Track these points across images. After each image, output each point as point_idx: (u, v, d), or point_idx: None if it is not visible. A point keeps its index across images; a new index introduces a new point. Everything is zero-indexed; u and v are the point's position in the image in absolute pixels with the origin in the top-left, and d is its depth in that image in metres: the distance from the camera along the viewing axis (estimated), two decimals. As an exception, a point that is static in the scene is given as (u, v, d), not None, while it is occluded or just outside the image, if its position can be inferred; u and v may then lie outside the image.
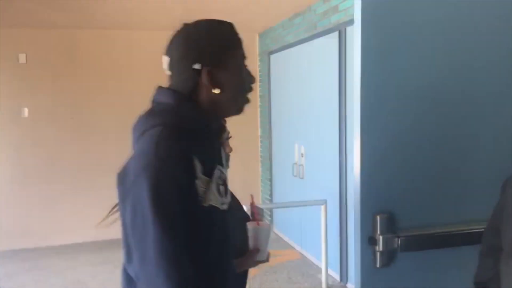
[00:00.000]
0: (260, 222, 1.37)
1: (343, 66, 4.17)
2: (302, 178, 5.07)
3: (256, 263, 1.37)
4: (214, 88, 1.18)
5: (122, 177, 1.06)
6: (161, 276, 0.98)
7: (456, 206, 1.60)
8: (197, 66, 1.17)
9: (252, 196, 1.46)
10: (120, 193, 1.06)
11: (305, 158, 5.01)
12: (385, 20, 1.51)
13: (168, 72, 1.21)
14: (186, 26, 1.23)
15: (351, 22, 3.77)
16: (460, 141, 1.61)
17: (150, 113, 1.15)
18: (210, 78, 1.17)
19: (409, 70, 1.53)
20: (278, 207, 5.59)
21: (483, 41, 1.60)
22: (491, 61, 1.62)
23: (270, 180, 5.96)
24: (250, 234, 1.36)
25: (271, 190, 5.94)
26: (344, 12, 4.04)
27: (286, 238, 5.54)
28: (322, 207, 3.88)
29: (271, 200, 5.92)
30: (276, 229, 5.78)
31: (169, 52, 1.20)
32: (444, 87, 1.58)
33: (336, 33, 4.18)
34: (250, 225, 1.37)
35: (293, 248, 5.32)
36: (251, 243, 1.36)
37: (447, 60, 1.57)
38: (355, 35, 1.52)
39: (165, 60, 1.21)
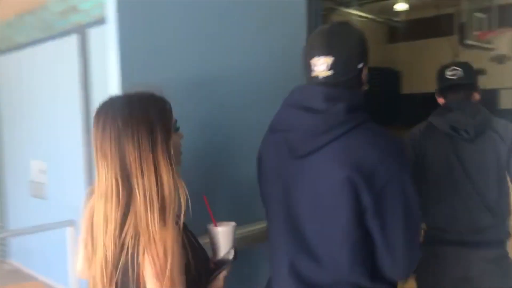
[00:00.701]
0: (218, 223, 1.43)
1: (86, 71, 3.82)
2: (44, 198, 4.48)
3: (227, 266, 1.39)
4: (365, 85, 1.43)
5: (359, 167, 1.21)
6: (414, 248, 1.26)
7: (245, 205, 1.67)
8: (360, 65, 1.39)
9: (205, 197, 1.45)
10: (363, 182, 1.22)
11: (47, 175, 4.43)
12: (144, 18, 1.38)
13: (328, 72, 1.32)
14: (337, 28, 1.41)
15: (93, 23, 3.45)
16: (234, 144, 1.63)
17: (351, 110, 1.27)
18: (364, 75, 1.40)
19: (172, 69, 1.48)
20: (10, 235, 4.81)
21: (243, 39, 1.69)
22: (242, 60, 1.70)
23: (-1, 202, 5.12)
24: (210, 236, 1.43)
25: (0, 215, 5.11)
26: (85, 13, 3.70)
27: (27, 269, 4.82)
28: (69, 228, 3.46)
29: (2, 227, 5.09)
30: (13, 260, 4.99)
31: (331, 52, 1.32)
32: (209, 85, 1.59)
33: (75, 35, 3.80)
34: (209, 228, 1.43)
35: (37, 279, 4.66)
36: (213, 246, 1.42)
37: (210, 57, 1.60)
38: (107, 36, 1.36)
39: (327, 60, 1.31)
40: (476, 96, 2.52)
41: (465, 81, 2.48)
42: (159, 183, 1.11)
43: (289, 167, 1.34)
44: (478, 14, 10.98)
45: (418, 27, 31.74)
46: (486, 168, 2.40)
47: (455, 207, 2.43)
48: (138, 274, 1.11)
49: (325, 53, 1.32)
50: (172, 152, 1.16)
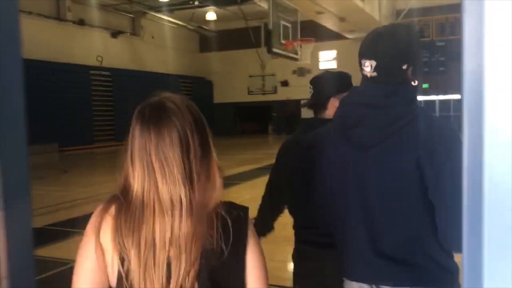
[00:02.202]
0: None
1: None
2: None
3: None
4: (414, 82, 1.53)
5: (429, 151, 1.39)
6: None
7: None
8: (405, 67, 1.49)
9: None
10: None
11: None
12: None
13: (373, 74, 1.51)
14: (385, 30, 1.57)
15: None
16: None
17: (409, 103, 1.48)
18: (412, 75, 1.51)
19: None
20: None
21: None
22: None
23: None
24: None
25: None
26: None
27: None
28: None
29: None
30: None
31: (374, 57, 1.50)
32: None
33: None
34: None
35: None
36: None
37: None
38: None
39: (371, 63, 1.50)
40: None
41: (313, 100, 2.15)
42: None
43: (358, 158, 1.52)
44: (284, 22, 12.03)
45: (229, 38, 25.09)
46: None
47: None
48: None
49: (370, 57, 1.51)
50: None
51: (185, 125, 1.14)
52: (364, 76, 1.56)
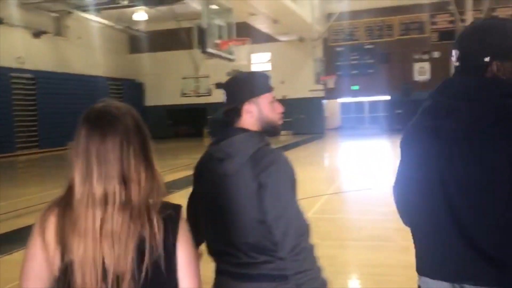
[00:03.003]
0: None
1: None
2: None
3: None
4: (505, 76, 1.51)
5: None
6: None
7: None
8: (487, 59, 1.50)
9: None
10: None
11: None
12: None
13: (456, 63, 1.55)
14: (475, 23, 1.62)
15: None
16: None
17: (501, 97, 1.46)
18: (497, 69, 1.50)
19: None
20: None
21: None
22: None
23: None
24: None
25: None
26: None
27: None
28: None
29: None
30: None
31: (457, 46, 1.56)
32: None
33: None
34: None
35: None
36: None
37: None
38: None
39: (456, 52, 1.56)
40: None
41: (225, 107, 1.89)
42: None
43: (446, 150, 1.50)
44: (219, 22, 11.68)
45: (160, 39, 24.99)
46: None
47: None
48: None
49: (455, 46, 1.58)
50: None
51: (127, 130, 1.28)
52: (454, 67, 1.59)
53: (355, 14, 24.41)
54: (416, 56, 24.52)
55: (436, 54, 24.25)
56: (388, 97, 25.47)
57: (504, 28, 1.55)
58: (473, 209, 1.47)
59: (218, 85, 22.27)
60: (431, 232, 1.59)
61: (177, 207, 1.32)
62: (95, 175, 1.23)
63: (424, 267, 1.63)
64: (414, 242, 1.67)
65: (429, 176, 1.57)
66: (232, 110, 1.80)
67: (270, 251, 1.70)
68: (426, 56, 24.37)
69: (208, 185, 1.81)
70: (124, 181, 1.24)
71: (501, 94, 1.48)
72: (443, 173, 1.52)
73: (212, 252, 1.85)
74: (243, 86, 1.82)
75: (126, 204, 1.22)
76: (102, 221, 1.21)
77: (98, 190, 1.22)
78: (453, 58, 1.57)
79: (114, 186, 1.23)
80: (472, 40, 1.55)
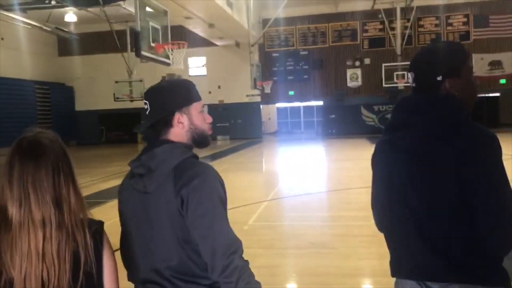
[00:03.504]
0: None
1: None
2: None
3: None
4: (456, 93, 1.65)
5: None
6: None
7: None
8: (439, 78, 1.65)
9: None
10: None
11: None
12: None
13: (414, 84, 1.71)
14: (425, 48, 1.77)
15: None
16: None
17: (451, 111, 1.61)
18: (450, 86, 1.64)
19: None
20: None
21: None
22: None
23: None
24: None
25: None
26: None
27: None
28: None
29: None
30: None
31: (414, 67, 1.72)
32: None
33: None
34: None
35: None
36: None
37: None
38: None
39: (410, 75, 1.71)
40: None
41: (152, 118, 1.70)
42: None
43: (402, 159, 1.66)
44: (153, 24, 11.23)
45: (92, 41, 24.57)
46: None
47: None
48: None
49: (410, 69, 1.76)
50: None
51: (57, 158, 1.42)
52: (411, 88, 1.75)
53: (290, 21, 24.80)
54: (349, 63, 25.28)
55: (367, 61, 25.13)
56: (321, 103, 26.07)
57: (450, 49, 1.75)
58: (426, 209, 1.61)
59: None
60: (396, 234, 1.73)
61: (101, 223, 1.50)
62: (33, 201, 1.37)
63: (394, 269, 1.77)
64: (388, 247, 1.80)
65: (390, 182, 1.71)
66: (160, 121, 1.65)
67: (196, 277, 1.55)
68: (357, 63, 25.18)
69: (130, 204, 1.66)
70: (58, 204, 1.39)
71: (454, 107, 1.63)
72: (401, 179, 1.67)
73: (135, 281, 1.67)
74: (172, 95, 1.67)
75: (61, 225, 1.38)
76: (43, 242, 1.35)
77: (36, 214, 1.37)
78: (410, 80, 1.74)
79: (50, 210, 1.37)
80: (424, 62, 1.72)
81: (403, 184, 1.65)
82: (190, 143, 1.68)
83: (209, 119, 1.74)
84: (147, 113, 1.68)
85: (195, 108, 1.68)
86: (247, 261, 1.53)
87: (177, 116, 1.66)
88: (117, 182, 11.73)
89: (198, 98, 1.71)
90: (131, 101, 22.61)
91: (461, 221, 1.56)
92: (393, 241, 1.76)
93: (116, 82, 22.44)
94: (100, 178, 11.97)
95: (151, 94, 1.69)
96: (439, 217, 1.58)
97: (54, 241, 1.36)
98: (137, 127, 1.75)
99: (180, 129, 1.65)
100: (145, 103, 1.68)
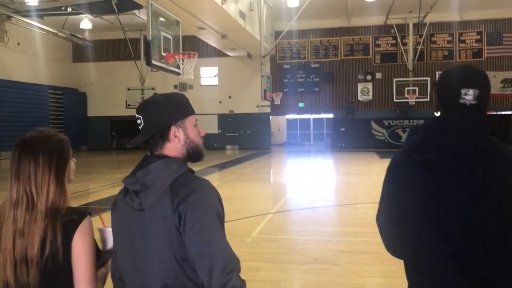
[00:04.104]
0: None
1: None
2: None
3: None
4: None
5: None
6: None
7: None
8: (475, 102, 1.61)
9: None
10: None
11: None
12: None
13: (474, 102, 1.59)
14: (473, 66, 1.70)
15: None
16: None
17: (488, 133, 1.59)
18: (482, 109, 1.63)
19: None
20: None
21: None
22: None
23: None
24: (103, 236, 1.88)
25: None
26: None
27: None
28: None
29: None
30: None
31: (478, 85, 1.62)
32: None
33: None
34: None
35: None
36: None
37: None
38: None
39: (473, 92, 1.59)
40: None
41: (147, 133, 1.68)
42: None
43: (438, 183, 1.57)
44: (165, 34, 11.33)
45: (106, 48, 24.86)
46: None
47: None
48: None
49: (472, 85, 1.63)
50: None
51: (39, 151, 1.65)
52: (462, 105, 1.61)
53: (302, 33, 24.89)
54: (360, 77, 25.27)
55: (378, 75, 25.10)
56: (331, 115, 26.04)
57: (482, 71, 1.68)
58: (465, 240, 1.53)
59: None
60: (425, 264, 1.61)
61: (82, 214, 1.68)
62: (13, 185, 1.64)
63: None
64: (409, 277, 1.69)
65: (423, 209, 1.61)
66: (156, 136, 1.64)
67: None
68: (369, 77, 25.16)
69: (124, 222, 1.63)
70: (32, 190, 1.62)
71: (487, 130, 1.59)
72: (438, 206, 1.57)
73: None
74: (167, 109, 1.65)
75: (32, 208, 1.61)
76: (15, 221, 1.61)
77: (13, 197, 1.63)
78: (469, 97, 1.60)
79: (22, 194, 1.62)
80: (486, 80, 1.65)
81: (441, 211, 1.56)
82: (185, 157, 1.65)
83: (203, 132, 1.73)
84: (140, 127, 1.67)
85: (190, 121, 1.66)
86: (244, 281, 1.52)
87: (173, 130, 1.64)
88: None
89: (192, 111, 1.69)
90: (142, 108, 22.70)
91: (505, 255, 1.51)
92: (418, 271, 1.65)
93: (129, 89, 22.64)
94: (108, 184, 12.07)
95: (145, 108, 1.68)
96: (482, 249, 1.52)
97: (23, 221, 1.60)
98: (131, 142, 1.73)
99: (175, 144, 1.63)
100: (138, 118, 1.67)
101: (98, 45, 24.17)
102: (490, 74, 22.80)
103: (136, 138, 1.68)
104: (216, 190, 1.60)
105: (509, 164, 1.52)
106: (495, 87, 23.14)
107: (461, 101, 1.60)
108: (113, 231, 1.71)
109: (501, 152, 1.54)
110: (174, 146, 1.64)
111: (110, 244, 1.80)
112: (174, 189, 1.53)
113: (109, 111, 26.29)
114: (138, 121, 1.67)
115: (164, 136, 1.64)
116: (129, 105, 22.56)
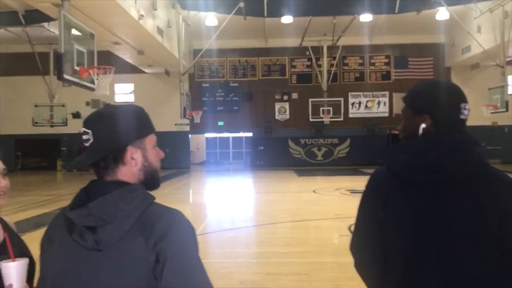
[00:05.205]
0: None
1: None
2: None
3: None
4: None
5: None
6: None
7: None
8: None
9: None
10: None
11: None
12: None
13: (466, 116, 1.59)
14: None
15: None
16: None
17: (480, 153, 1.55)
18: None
19: None
20: None
21: None
22: None
23: None
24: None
25: None
26: None
27: None
28: None
29: None
30: None
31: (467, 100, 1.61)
32: None
33: None
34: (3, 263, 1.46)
35: None
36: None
37: None
38: None
39: (467, 107, 1.60)
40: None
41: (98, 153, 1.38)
42: None
43: (433, 204, 1.52)
44: (78, 47, 10.67)
45: (11, 62, 23.98)
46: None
47: None
48: None
49: (464, 100, 1.62)
50: None
51: None
52: (463, 121, 1.59)
53: (221, 52, 24.95)
54: (277, 97, 25.76)
55: (295, 95, 25.75)
56: (250, 134, 26.23)
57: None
58: (465, 260, 1.48)
59: (74, 115, 20.90)
60: (420, 284, 1.53)
61: None
62: None
63: None
64: None
65: (419, 234, 1.52)
66: (108, 157, 1.34)
67: None
68: (286, 97, 25.72)
69: (70, 266, 1.31)
70: None
71: (479, 148, 1.56)
72: (435, 228, 1.50)
73: None
74: (124, 124, 1.36)
75: None
76: None
77: None
78: (466, 112, 1.58)
79: None
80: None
81: (438, 237, 1.49)
82: (141, 184, 1.37)
83: (162, 154, 1.46)
84: (88, 144, 1.35)
85: (150, 141, 1.41)
86: None
87: (130, 150, 1.36)
88: (34, 212, 10.80)
89: (153, 129, 1.43)
90: (51, 126, 21.46)
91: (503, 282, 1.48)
92: None
93: (36, 106, 21.25)
94: (14, 208, 11.04)
95: (96, 122, 1.36)
96: (480, 277, 1.48)
97: None
98: (75, 162, 1.41)
99: (131, 167, 1.36)
100: (85, 133, 1.36)
101: (2, 58, 22.52)
102: (397, 95, 24.37)
103: (83, 158, 1.37)
104: (189, 221, 1.34)
105: (508, 187, 1.51)
106: (400, 108, 24.50)
107: (462, 116, 1.58)
108: (49, 276, 1.36)
109: (499, 175, 1.52)
110: (130, 170, 1.36)
111: (16, 284, 1.43)
112: (145, 224, 1.26)
113: (13, 129, 24.51)
114: (85, 137, 1.35)
115: (118, 158, 1.35)
116: (36, 122, 21.17)
